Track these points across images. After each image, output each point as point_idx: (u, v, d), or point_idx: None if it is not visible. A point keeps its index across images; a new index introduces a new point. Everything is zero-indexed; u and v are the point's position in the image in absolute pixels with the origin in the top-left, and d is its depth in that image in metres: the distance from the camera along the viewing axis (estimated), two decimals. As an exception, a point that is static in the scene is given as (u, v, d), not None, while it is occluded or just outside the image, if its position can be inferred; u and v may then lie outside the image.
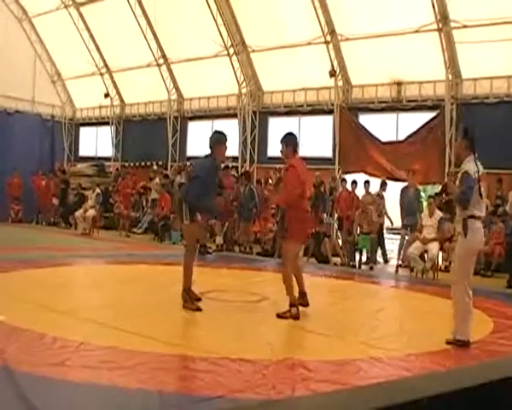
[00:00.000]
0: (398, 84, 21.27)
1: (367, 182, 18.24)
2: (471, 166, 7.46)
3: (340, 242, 18.36)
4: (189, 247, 9.52)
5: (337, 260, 17.03)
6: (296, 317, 8.63)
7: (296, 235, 9.09)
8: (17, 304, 8.71)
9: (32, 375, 5.33)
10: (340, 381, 5.76)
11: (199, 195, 9.12)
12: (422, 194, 17.99)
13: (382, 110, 21.92)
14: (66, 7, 29.42)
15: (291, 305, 8.75)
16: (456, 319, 7.48)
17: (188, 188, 9.67)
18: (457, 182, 7.66)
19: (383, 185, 18.41)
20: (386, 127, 21.81)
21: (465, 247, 7.46)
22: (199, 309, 8.93)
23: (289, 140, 9.43)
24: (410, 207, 16.24)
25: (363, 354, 6.77)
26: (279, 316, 8.62)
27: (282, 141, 9.42)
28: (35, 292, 9.90)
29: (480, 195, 7.51)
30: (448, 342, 7.43)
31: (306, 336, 7.71)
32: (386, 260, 18.15)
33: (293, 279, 9.00)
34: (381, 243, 18.04)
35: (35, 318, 7.80)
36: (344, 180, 19.01)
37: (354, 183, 18.29)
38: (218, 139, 9.60)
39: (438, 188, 19.25)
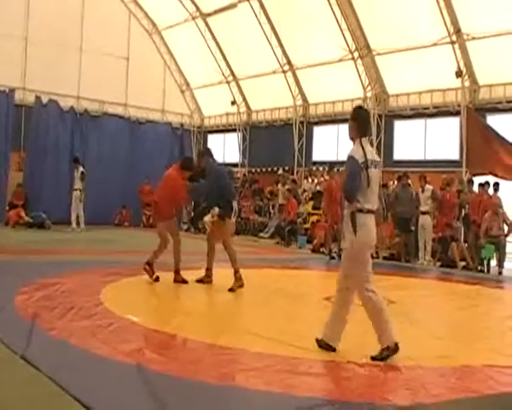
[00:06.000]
0: (527, 82, 20.62)
1: (481, 185, 17.62)
2: None
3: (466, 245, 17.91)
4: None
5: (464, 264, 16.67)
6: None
7: None
8: (148, 306, 9.13)
9: (164, 374, 5.47)
10: (468, 388, 5.65)
11: None
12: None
13: (511, 110, 21.30)
14: (193, 18, 30.43)
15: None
16: None
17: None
18: None
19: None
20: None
21: None
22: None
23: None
24: None
25: (493, 362, 6.57)
26: None
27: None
28: (164, 294, 10.40)
29: None
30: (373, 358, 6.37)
31: (434, 342, 7.63)
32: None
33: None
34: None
35: (166, 319, 8.14)
36: (472, 182, 18.54)
37: (481, 185, 17.78)
38: None
39: None
